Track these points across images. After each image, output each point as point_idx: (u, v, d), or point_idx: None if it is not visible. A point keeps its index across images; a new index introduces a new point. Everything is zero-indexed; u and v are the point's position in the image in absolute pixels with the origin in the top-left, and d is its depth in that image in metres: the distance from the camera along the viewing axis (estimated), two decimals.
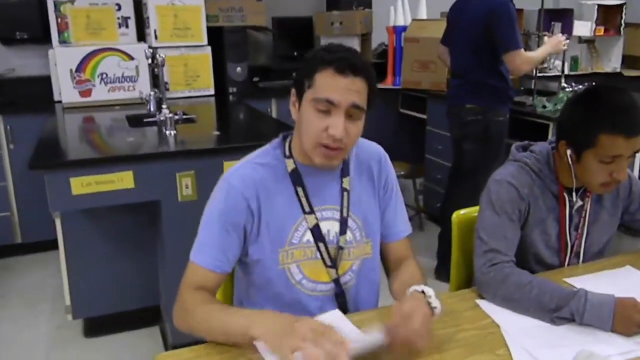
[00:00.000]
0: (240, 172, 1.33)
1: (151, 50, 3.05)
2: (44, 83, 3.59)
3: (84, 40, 3.55)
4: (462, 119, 3.04)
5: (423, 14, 4.09)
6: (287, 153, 1.36)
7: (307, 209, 1.34)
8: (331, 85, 1.23)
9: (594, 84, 3.06)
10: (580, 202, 1.61)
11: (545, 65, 3.99)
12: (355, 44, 4.13)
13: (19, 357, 2.60)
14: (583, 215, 1.61)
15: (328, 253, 1.35)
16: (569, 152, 1.51)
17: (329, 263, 1.35)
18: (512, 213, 1.54)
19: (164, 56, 2.74)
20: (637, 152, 1.47)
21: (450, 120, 3.19)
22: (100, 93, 3.49)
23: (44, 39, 3.61)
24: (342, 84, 1.23)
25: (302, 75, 1.28)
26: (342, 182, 1.38)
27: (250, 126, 3.30)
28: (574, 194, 1.58)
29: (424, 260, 3.23)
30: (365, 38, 4.28)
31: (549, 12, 5.05)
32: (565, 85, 3.48)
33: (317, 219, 1.34)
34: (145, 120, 2.88)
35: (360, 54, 1.34)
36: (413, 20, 4.01)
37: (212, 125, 3.18)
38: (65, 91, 3.43)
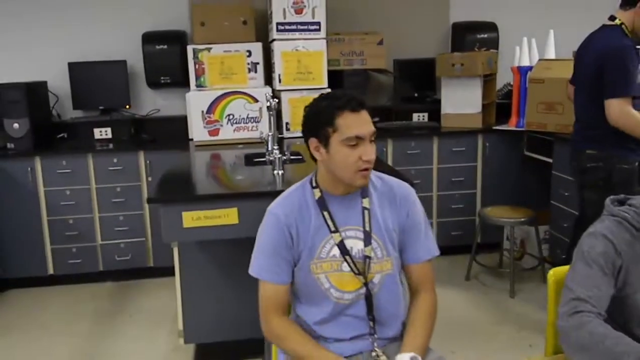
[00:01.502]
0: (281, 204, 1.68)
1: (270, 94, 3.25)
2: (182, 122, 3.96)
3: (218, 84, 3.87)
4: (581, 166, 2.83)
5: (551, 54, 3.90)
6: (314, 184, 1.67)
7: (332, 228, 1.63)
8: (353, 124, 1.54)
9: None
10: None
11: None
12: (476, 85, 4.04)
13: None
14: None
15: (355, 264, 1.63)
16: None
17: (356, 271, 1.63)
18: (606, 266, 1.42)
19: (276, 100, 2.89)
20: None
21: (572, 166, 2.99)
22: (227, 132, 3.77)
23: (184, 82, 3.99)
24: (360, 121, 1.55)
25: (322, 124, 1.57)
26: (362, 202, 1.66)
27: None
28: None
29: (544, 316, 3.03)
30: (489, 79, 4.17)
31: None
32: None
33: (341, 236, 1.63)
34: (256, 160, 3.06)
35: (355, 93, 1.65)
36: (540, 60, 3.84)
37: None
38: (196, 130, 3.76)
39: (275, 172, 2.73)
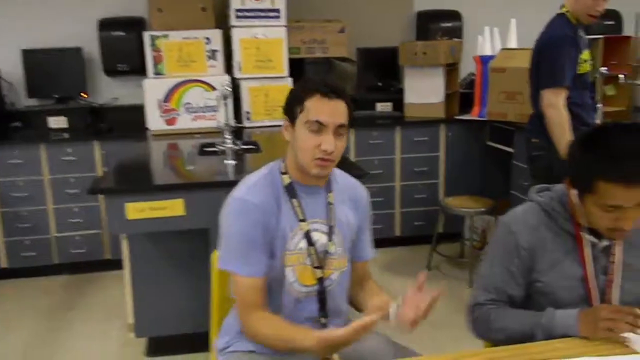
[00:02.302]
0: (251, 190, 1.54)
1: (227, 82, 3.17)
2: (141, 112, 3.85)
3: (176, 72, 3.78)
4: (528, 154, 2.85)
5: (513, 43, 3.89)
6: (283, 170, 1.58)
7: (300, 217, 1.55)
8: (320, 108, 1.47)
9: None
10: (606, 242, 1.42)
11: None
12: (439, 74, 4.01)
13: None
14: (612, 258, 1.43)
15: (317, 256, 1.57)
16: (574, 192, 1.36)
17: (316, 264, 1.57)
18: (509, 259, 1.47)
19: (229, 89, 2.82)
20: None
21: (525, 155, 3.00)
22: (185, 121, 3.68)
23: (142, 70, 3.87)
24: (328, 108, 1.47)
25: (294, 103, 1.51)
26: (327, 196, 1.61)
27: None
28: (590, 233, 1.43)
29: None
30: (452, 68, 4.14)
31: None
32: None
33: (308, 226, 1.56)
34: (207, 150, 2.99)
35: (337, 82, 1.59)
36: (502, 49, 3.82)
37: (276, 155, 3.21)
38: (152, 119, 3.67)
39: (227, 162, 2.67)
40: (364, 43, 4.35)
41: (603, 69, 3.61)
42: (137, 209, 2.31)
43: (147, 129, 3.76)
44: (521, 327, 1.43)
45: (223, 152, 2.67)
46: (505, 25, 3.94)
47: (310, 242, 1.56)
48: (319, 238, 1.57)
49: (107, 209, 2.31)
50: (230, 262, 1.53)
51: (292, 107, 1.52)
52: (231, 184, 2.38)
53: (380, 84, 4.38)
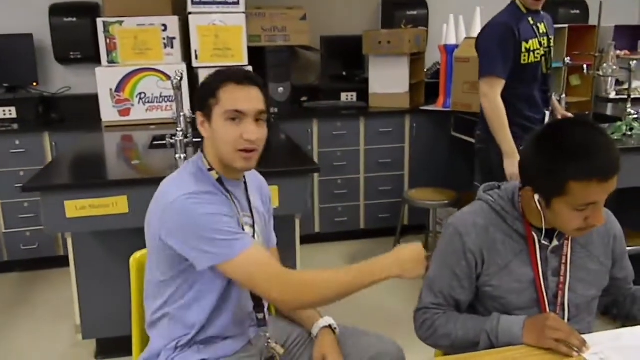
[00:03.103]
0: (199, 185, 1.42)
1: (181, 71, 3.03)
2: (95, 102, 3.69)
3: (131, 60, 3.62)
4: (475, 147, 2.79)
5: (478, 32, 3.80)
6: (208, 167, 1.47)
7: (237, 210, 1.48)
8: (236, 97, 1.40)
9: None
10: (556, 243, 1.36)
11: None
12: (404, 63, 3.93)
13: None
14: (564, 259, 1.37)
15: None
16: (536, 197, 1.28)
17: None
18: (457, 266, 1.40)
19: (178, 79, 2.69)
20: (610, 195, 1.22)
21: None
22: (139, 112, 3.54)
23: (96, 58, 3.71)
24: (244, 95, 1.40)
25: (206, 96, 1.42)
26: (247, 192, 1.56)
27: (268, 150, 3.18)
28: (541, 233, 1.37)
29: None
30: (417, 57, 4.06)
31: (629, 29, 4.59)
32: (633, 112, 3.06)
33: (243, 219, 1.49)
34: (159, 142, 2.86)
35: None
36: (466, 38, 3.75)
37: None
38: (105, 110, 3.52)
39: (177, 155, 2.55)
40: (328, 31, 4.23)
41: (567, 59, 3.56)
42: (77, 207, 2.18)
43: (101, 120, 3.61)
44: (465, 333, 1.37)
45: (172, 146, 2.55)
46: (470, 14, 3.86)
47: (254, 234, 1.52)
48: (249, 231, 1.50)
49: (44, 207, 2.17)
50: (236, 246, 1.34)
51: (205, 101, 1.42)
52: None
53: (344, 73, 4.28)
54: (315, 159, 3.88)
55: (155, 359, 1.51)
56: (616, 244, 1.46)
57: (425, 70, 4.28)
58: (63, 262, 3.61)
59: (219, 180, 1.47)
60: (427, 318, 1.43)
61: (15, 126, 3.69)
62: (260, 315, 1.55)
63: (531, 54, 2.60)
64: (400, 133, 4.00)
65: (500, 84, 2.56)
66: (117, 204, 2.21)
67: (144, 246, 2.70)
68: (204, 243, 1.34)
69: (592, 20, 4.36)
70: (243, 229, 1.45)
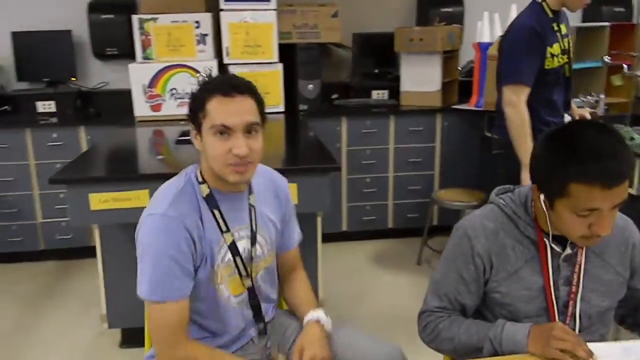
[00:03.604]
0: (173, 204, 1.39)
1: (210, 68, 3.07)
2: (130, 97, 3.78)
3: (165, 57, 3.69)
4: (494, 153, 2.71)
5: None
6: (200, 179, 1.45)
7: (224, 228, 1.45)
8: (223, 110, 1.34)
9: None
10: (569, 251, 1.31)
11: None
12: (436, 61, 3.87)
13: (54, 358, 2.73)
14: (576, 268, 1.32)
15: (244, 265, 1.49)
16: (542, 197, 1.24)
17: (244, 273, 1.50)
18: (464, 270, 1.37)
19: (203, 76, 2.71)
20: (618, 204, 1.16)
21: None
22: (170, 108, 3.60)
23: (133, 54, 3.80)
24: (232, 108, 1.34)
25: (196, 108, 1.38)
26: (249, 199, 1.51)
27: (291, 148, 3.19)
28: (550, 239, 1.33)
29: None
30: (451, 55, 3.99)
31: None
32: None
33: (233, 236, 1.46)
34: (181, 138, 2.90)
35: (240, 76, 1.43)
36: (500, 36, 3.65)
37: None
38: (138, 105, 3.59)
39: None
40: (360, 28, 4.20)
41: (606, 58, 3.45)
42: (100, 200, 2.24)
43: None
44: (468, 338, 1.34)
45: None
46: (506, 11, 3.76)
47: (236, 252, 1.48)
48: (244, 245, 1.49)
49: (69, 199, 2.24)
50: (157, 290, 1.36)
51: (195, 113, 1.39)
52: None
53: (376, 71, 4.24)
54: (344, 157, 3.87)
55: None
56: (635, 253, 1.39)
57: (460, 68, 4.20)
58: (95, 252, 3.74)
59: (209, 195, 1.43)
60: (431, 321, 1.41)
61: (54, 120, 3.81)
62: (260, 326, 1.57)
63: (555, 58, 2.52)
64: (431, 132, 3.94)
65: (526, 92, 2.48)
66: (139, 198, 2.25)
67: None
68: (144, 269, 1.39)
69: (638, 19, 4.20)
70: (236, 248, 1.46)
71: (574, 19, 4.37)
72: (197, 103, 1.38)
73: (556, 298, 1.33)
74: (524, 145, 2.44)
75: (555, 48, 2.52)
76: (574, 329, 1.33)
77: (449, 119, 3.93)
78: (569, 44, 2.61)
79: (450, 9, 4.22)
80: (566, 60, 2.58)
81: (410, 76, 3.99)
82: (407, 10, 4.39)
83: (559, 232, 1.29)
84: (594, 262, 1.35)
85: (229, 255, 1.47)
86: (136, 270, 2.62)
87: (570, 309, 1.34)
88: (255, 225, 1.51)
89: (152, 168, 2.42)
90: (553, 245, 1.32)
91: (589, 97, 3.53)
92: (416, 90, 3.97)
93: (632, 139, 2.73)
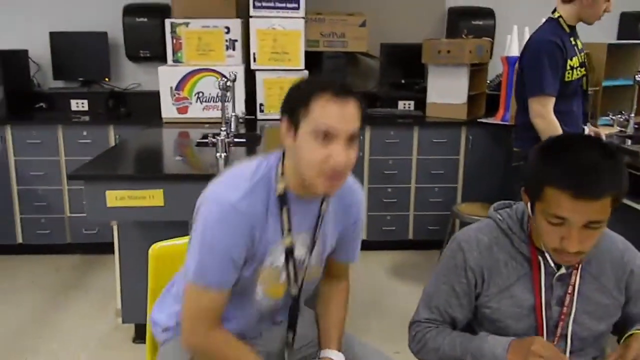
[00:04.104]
0: (247, 197, 1.30)
1: (234, 73, 3.13)
2: (159, 98, 3.88)
3: (195, 60, 3.77)
4: (512, 165, 2.75)
5: None
6: (280, 174, 1.34)
7: (286, 231, 1.36)
8: (330, 112, 1.22)
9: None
10: (564, 270, 1.30)
11: None
12: (463, 74, 3.84)
13: (68, 350, 2.80)
14: (570, 289, 1.30)
15: (294, 271, 1.40)
16: (529, 203, 1.24)
17: (292, 280, 1.42)
18: (457, 282, 1.36)
19: (225, 80, 2.77)
20: (592, 223, 1.15)
21: None
22: (196, 111, 3.68)
23: (164, 57, 3.90)
24: (340, 111, 1.22)
25: (296, 103, 1.25)
26: (321, 206, 1.40)
27: None
28: (548, 257, 1.30)
29: None
30: (479, 68, 3.95)
31: None
32: None
33: (292, 242, 1.37)
34: (200, 141, 2.95)
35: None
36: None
37: (271, 151, 3.16)
38: (165, 107, 3.68)
39: (218, 154, 2.63)
40: (390, 38, 4.21)
41: (638, 77, 3.37)
42: (117, 197, 2.30)
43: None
44: (452, 349, 1.34)
45: (214, 144, 2.63)
46: (537, 25, 3.71)
47: (290, 257, 1.39)
48: (301, 252, 1.41)
49: (87, 195, 2.31)
50: (204, 276, 1.31)
51: (294, 109, 1.26)
52: (205, 178, 2.34)
53: (403, 81, 4.24)
54: (366, 167, 3.88)
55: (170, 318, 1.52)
56: (632, 279, 1.36)
57: (488, 81, 4.16)
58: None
59: (282, 195, 1.33)
60: (419, 331, 1.41)
61: (86, 118, 3.95)
62: (290, 335, 1.51)
63: (574, 71, 2.59)
64: (455, 144, 3.91)
65: (551, 102, 2.54)
66: (153, 197, 2.31)
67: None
68: (197, 254, 1.31)
69: None
70: (292, 253, 1.38)
71: (610, 36, 4.29)
72: (299, 98, 1.25)
73: (547, 318, 1.31)
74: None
75: (575, 61, 2.60)
76: (564, 351, 1.31)
77: (474, 132, 3.89)
78: (584, 58, 2.69)
79: (480, 22, 4.19)
80: (584, 72, 2.66)
81: (436, 88, 3.97)
82: (438, 21, 4.37)
83: (541, 243, 1.28)
84: (590, 284, 1.33)
85: (282, 259, 1.38)
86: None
87: (560, 329, 1.32)
88: (318, 234, 1.42)
89: (168, 169, 2.48)
90: (547, 263, 1.30)
91: (618, 115, 3.44)
92: (442, 102, 3.95)
93: None
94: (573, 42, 2.62)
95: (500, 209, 1.43)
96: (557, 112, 2.56)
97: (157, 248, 1.74)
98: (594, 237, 1.20)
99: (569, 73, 2.56)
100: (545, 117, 2.53)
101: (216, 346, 1.38)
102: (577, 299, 1.31)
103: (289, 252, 1.37)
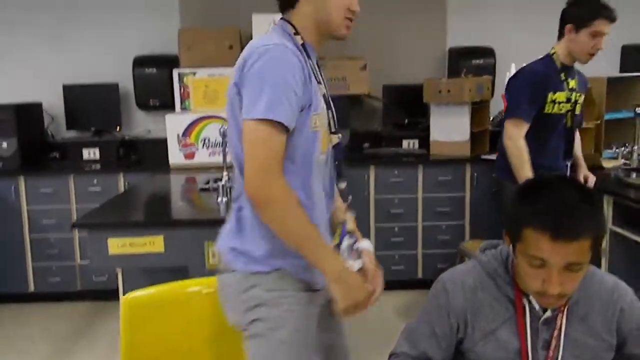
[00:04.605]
0: (285, 42, 1.40)
1: None
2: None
3: (201, 107, 3.88)
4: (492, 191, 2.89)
5: None
6: (294, 30, 1.45)
7: (319, 79, 1.47)
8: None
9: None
10: (549, 313, 1.28)
11: None
12: (464, 112, 3.88)
13: None
14: (555, 332, 1.28)
15: (334, 120, 1.50)
16: (510, 245, 1.25)
17: (333, 128, 1.50)
18: (438, 324, 1.35)
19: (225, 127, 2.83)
20: (572, 265, 1.15)
21: None
22: (202, 156, 3.76)
23: (173, 105, 4.02)
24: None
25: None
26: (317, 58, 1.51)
27: None
28: (533, 300, 1.30)
29: None
30: (481, 106, 3.99)
31: None
32: None
33: (325, 87, 1.49)
34: (203, 187, 3.01)
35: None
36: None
37: None
38: (172, 153, 3.77)
39: (219, 199, 2.67)
40: (392, 79, 4.29)
41: (638, 109, 3.37)
42: (118, 245, 2.35)
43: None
44: None
45: (214, 190, 2.68)
46: None
47: (329, 105, 1.48)
48: (320, 100, 1.46)
49: (90, 243, 2.36)
50: (274, 110, 1.30)
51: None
52: (206, 223, 2.40)
53: (407, 121, 4.29)
54: (372, 206, 3.90)
55: (259, 247, 1.45)
56: (623, 318, 1.32)
57: (491, 118, 4.19)
58: None
59: (303, 45, 1.44)
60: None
61: (97, 166, 4.05)
62: (342, 185, 1.56)
63: (556, 105, 2.68)
64: (460, 182, 3.92)
65: (524, 127, 2.65)
66: (154, 243, 2.35)
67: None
68: (257, 94, 1.32)
69: None
70: (329, 100, 1.48)
71: (613, 69, 4.31)
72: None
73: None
74: (525, 172, 2.59)
75: (559, 96, 2.68)
76: None
77: (478, 169, 3.90)
78: (576, 98, 2.76)
79: (481, 61, 4.25)
80: (569, 109, 2.72)
81: (439, 126, 4.01)
82: (439, 61, 4.45)
83: (523, 286, 1.28)
84: (577, 326, 1.31)
85: (323, 105, 1.45)
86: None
87: None
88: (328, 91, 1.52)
89: (169, 215, 2.53)
90: (532, 306, 1.29)
91: (622, 148, 3.44)
92: (445, 140, 3.98)
93: None
94: (563, 78, 2.70)
95: (488, 248, 1.43)
96: (533, 141, 2.64)
97: (130, 298, 1.68)
98: (576, 280, 1.19)
99: (549, 106, 2.66)
100: (515, 140, 2.63)
101: (289, 196, 1.35)
102: (563, 342, 1.29)
103: (326, 99, 1.47)
